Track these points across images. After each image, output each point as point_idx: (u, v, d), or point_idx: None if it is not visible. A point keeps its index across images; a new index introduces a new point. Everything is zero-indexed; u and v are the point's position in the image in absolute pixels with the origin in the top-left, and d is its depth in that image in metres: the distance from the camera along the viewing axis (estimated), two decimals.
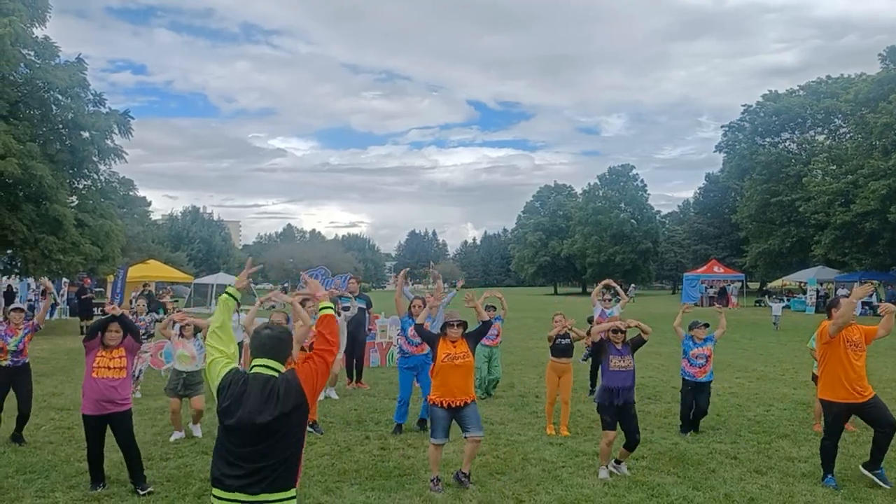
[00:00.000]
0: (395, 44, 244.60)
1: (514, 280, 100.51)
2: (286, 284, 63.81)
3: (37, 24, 20.22)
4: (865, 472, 5.89)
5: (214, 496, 2.93)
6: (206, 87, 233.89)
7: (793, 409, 9.23)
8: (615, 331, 6.24)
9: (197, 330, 7.89)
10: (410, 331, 7.93)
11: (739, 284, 43.40)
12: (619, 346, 6.22)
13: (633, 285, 58.02)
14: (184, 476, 6.12)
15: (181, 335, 7.81)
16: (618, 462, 6.24)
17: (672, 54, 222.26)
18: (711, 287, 42.74)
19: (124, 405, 5.76)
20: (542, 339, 11.91)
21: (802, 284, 39.80)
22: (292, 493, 2.96)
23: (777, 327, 22.89)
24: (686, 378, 7.81)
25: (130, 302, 25.73)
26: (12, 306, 7.57)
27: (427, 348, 6.87)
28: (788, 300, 39.16)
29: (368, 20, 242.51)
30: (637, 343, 6.35)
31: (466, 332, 6.04)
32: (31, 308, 26.08)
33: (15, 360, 7.14)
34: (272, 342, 3.05)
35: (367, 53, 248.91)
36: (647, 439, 7.23)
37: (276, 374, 3.02)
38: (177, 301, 35.43)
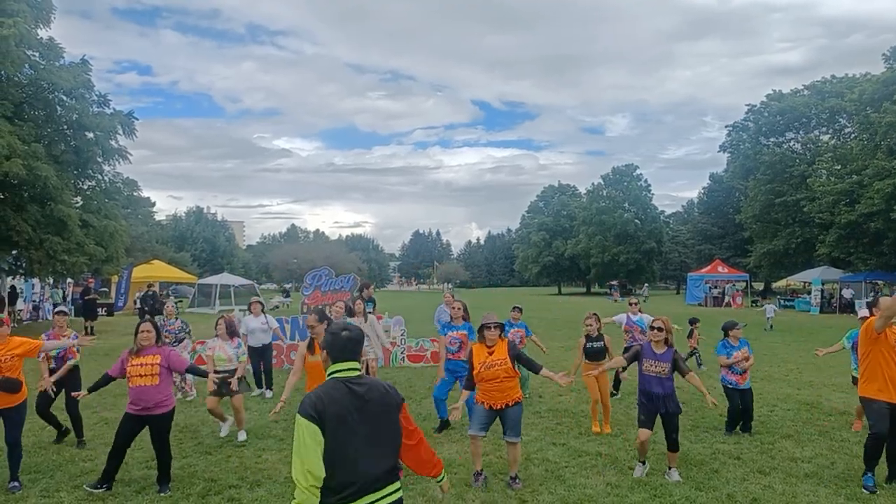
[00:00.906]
0: (399, 44, 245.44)
1: (518, 280, 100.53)
2: (289, 286, 63.98)
3: (41, 25, 20.31)
4: None
5: None
6: (211, 88, 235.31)
7: (796, 409, 9.20)
8: (653, 328, 6.12)
9: (233, 333, 7.85)
10: (448, 337, 7.94)
11: (744, 284, 43.27)
12: (657, 351, 6.01)
13: (645, 285, 57.99)
14: (188, 476, 6.13)
15: (217, 336, 7.83)
16: (669, 468, 6.16)
17: (677, 54, 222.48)
18: (715, 287, 42.64)
19: (163, 408, 5.76)
20: (547, 339, 11.89)
21: (807, 285, 39.66)
22: (399, 483, 2.97)
23: (771, 328, 22.70)
24: (728, 386, 7.73)
25: (135, 302, 25.81)
26: (57, 308, 7.54)
27: (465, 354, 6.94)
28: (792, 300, 39.06)
29: (373, 20, 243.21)
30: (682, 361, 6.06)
31: (517, 352, 5.87)
32: (36, 308, 26.29)
33: (60, 364, 7.18)
34: (353, 344, 2.98)
35: (372, 53, 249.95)
36: (652, 439, 7.20)
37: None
38: (181, 301, 35.53)
